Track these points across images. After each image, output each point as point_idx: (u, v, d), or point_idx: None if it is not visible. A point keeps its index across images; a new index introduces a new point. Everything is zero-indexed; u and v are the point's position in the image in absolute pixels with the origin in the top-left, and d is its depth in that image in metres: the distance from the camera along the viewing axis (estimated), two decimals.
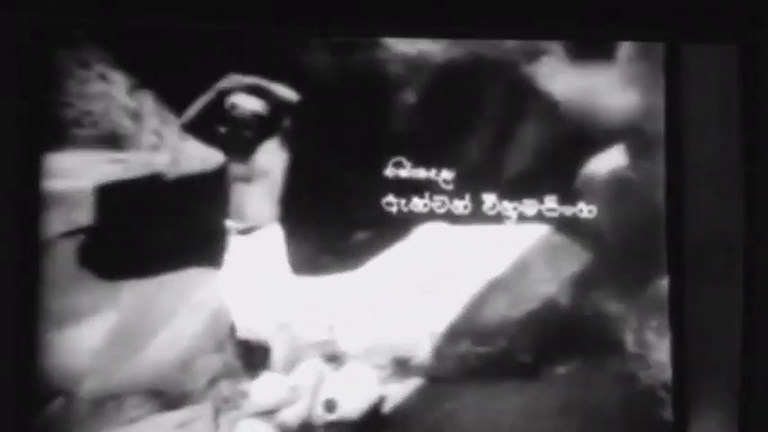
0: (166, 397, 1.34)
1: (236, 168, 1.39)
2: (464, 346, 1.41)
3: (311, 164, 1.41)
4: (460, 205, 1.43)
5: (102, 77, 1.35)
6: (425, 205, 1.42)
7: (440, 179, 1.42)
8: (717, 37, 1.48)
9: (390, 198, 1.41)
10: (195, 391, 1.35)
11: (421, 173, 1.42)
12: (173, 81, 1.37)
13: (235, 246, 1.38)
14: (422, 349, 1.41)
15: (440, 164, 1.42)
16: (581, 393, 1.41)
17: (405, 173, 1.41)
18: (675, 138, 1.46)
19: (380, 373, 1.39)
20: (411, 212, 1.42)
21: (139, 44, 1.38)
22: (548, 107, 1.43)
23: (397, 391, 1.40)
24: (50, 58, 1.34)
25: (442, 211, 1.42)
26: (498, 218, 1.43)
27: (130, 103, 1.36)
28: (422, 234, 1.43)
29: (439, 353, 1.41)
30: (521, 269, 1.43)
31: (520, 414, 1.40)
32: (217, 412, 1.35)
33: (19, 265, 1.31)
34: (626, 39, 1.47)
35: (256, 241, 1.39)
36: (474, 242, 1.43)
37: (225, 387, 1.36)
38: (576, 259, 1.43)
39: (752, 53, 1.45)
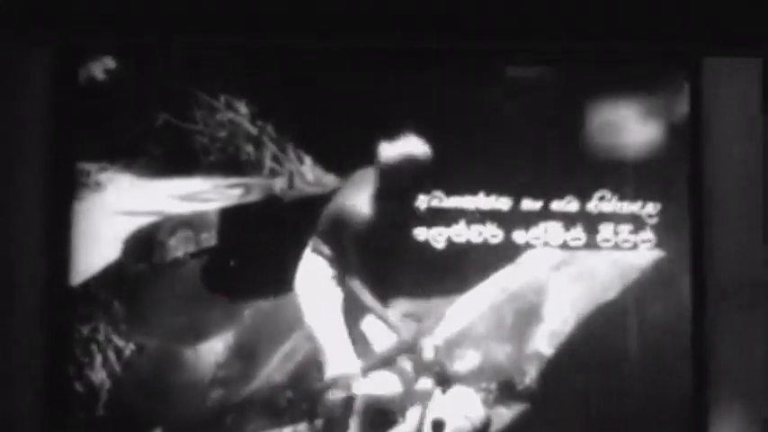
0: (280, 412, 1.41)
1: None
2: (570, 373, 1.41)
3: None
4: (570, 235, 1.44)
5: (229, 106, 1.44)
6: (537, 238, 1.44)
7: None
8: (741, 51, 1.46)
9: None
10: (306, 406, 1.41)
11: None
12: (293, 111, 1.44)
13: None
14: (528, 374, 1.41)
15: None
16: None
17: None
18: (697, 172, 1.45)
19: (486, 396, 1.41)
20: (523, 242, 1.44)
21: (262, 74, 1.45)
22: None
23: (503, 415, 1.41)
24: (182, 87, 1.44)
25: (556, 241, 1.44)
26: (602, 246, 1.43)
27: (253, 130, 1.44)
28: (530, 259, 1.44)
29: (546, 378, 1.41)
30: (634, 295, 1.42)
31: None
32: (327, 426, 1.41)
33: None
34: (651, 55, 1.47)
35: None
36: (587, 268, 1.43)
37: (333, 402, 1.41)
38: None
39: None
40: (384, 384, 1.40)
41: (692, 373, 1.41)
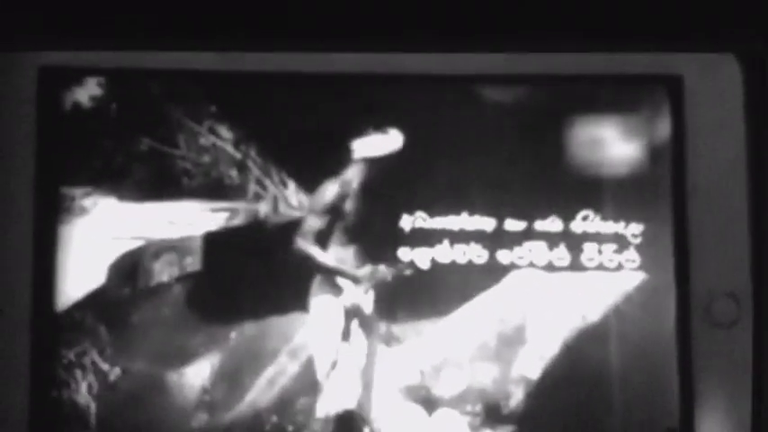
0: None
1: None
2: (556, 395, 1.41)
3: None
4: (554, 255, 1.43)
5: (211, 131, 1.44)
6: (521, 258, 1.44)
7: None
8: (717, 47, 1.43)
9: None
10: (294, 429, 1.41)
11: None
12: (275, 132, 1.44)
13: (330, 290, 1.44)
14: (514, 397, 1.41)
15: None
16: None
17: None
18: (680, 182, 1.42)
19: (472, 420, 1.41)
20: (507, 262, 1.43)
21: (243, 97, 1.45)
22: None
23: None
24: (164, 112, 1.45)
25: (540, 261, 1.44)
26: (591, 266, 1.43)
27: (237, 154, 1.44)
28: (513, 281, 1.43)
29: (532, 400, 1.41)
30: (618, 317, 1.42)
31: None
32: None
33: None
34: (632, 50, 1.43)
35: (351, 286, 1.44)
36: (570, 290, 1.43)
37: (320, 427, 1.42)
38: None
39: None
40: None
41: (679, 395, 1.40)
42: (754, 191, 1.45)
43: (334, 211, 1.44)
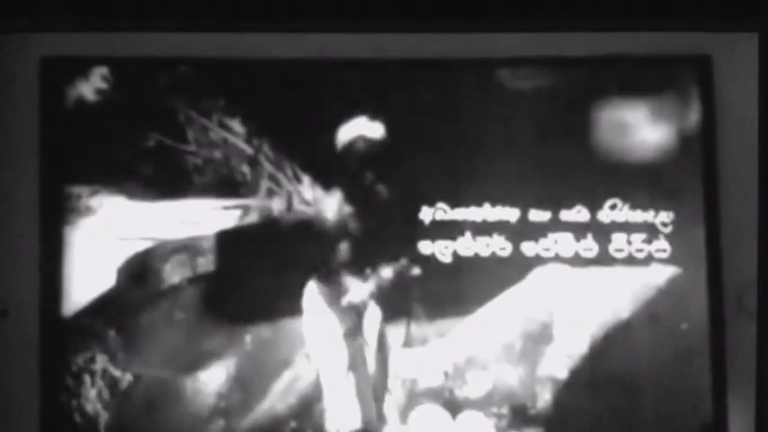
0: None
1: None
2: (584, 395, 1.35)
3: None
4: (581, 246, 1.37)
5: (222, 125, 1.38)
6: (547, 249, 1.38)
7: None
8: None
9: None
10: None
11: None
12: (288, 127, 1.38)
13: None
14: (541, 397, 1.36)
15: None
16: None
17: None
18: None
19: (498, 422, 1.36)
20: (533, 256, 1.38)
21: (256, 91, 1.39)
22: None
23: None
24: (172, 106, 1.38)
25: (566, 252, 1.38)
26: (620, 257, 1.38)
27: (248, 149, 1.37)
28: (539, 278, 1.37)
29: (559, 401, 1.35)
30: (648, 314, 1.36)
31: None
32: None
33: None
34: (650, 29, 1.40)
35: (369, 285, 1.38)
36: (598, 284, 1.37)
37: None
38: None
39: None
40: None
41: (712, 389, 1.36)
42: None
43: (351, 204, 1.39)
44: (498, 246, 1.38)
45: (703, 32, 1.42)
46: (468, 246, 1.38)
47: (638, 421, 1.35)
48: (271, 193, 1.38)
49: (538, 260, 1.38)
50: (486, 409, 1.36)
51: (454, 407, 1.36)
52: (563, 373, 1.36)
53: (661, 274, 1.38)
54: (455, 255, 1.38)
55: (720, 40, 1.42)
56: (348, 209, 1.38)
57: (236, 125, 1.37)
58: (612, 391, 1.35)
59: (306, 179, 1.38)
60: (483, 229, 1.39)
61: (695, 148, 1.39)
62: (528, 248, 1.38)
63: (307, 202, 1.38)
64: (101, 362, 1.35)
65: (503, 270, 1.38)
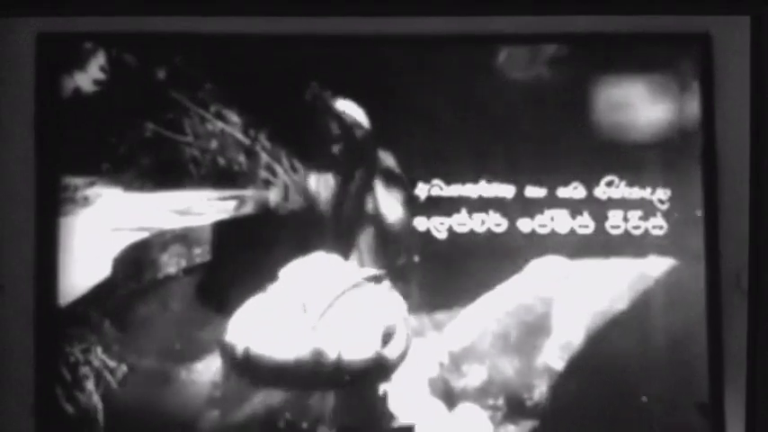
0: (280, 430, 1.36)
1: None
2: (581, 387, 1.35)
3: None
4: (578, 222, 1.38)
5: (218, 115, 1.38)
6: (543, 226, 1.38)
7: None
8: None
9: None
10: (308, 425, 1.36)
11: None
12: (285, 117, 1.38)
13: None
14: (538, 389, 1.35)
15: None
16: None
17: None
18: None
19: (494, 413, 1.35)
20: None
21: (250, 82, 1.39)
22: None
23: None
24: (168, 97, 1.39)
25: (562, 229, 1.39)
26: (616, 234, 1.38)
27: (245, 139, 1.38)
28: (536, 269, 1.38)
29: (556, 393, 1.35)
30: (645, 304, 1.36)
31: None
32: None
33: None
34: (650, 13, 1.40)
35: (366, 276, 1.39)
36: (594, 276, 1.37)
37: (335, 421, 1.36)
38: None
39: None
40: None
41: (709, 364, 1.36)
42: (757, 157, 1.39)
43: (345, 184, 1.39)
44: (494, 222, 1.38)
45: (702, 16, 1.42)
46: (463, 222, 1.38)
47: (634, 412, 1.35)
48: (267, 184, 1.38)
49: (534, 237, 1.38)
50: (482, 400, 1.36)
51: (450, 398, 1.36)
52: (559, 365, 1.36)
53: (658, 266, 1.38)
54: (450, 231, 1.38)
55: (720, 21, 1.42)
56: (340, 192, 1.38)
57: (233, 116, 1.38)
58: (609, 381, 1.35)
59: (301, 169, 1.38)
60: (479, 205, 1.39)
61: (693, 126, 1.39)
62: (524, 225, 1.38)
63: (303, 192, 1.38)
64: (96, 352, 1.35)
65: (500, 251, 1.38)
